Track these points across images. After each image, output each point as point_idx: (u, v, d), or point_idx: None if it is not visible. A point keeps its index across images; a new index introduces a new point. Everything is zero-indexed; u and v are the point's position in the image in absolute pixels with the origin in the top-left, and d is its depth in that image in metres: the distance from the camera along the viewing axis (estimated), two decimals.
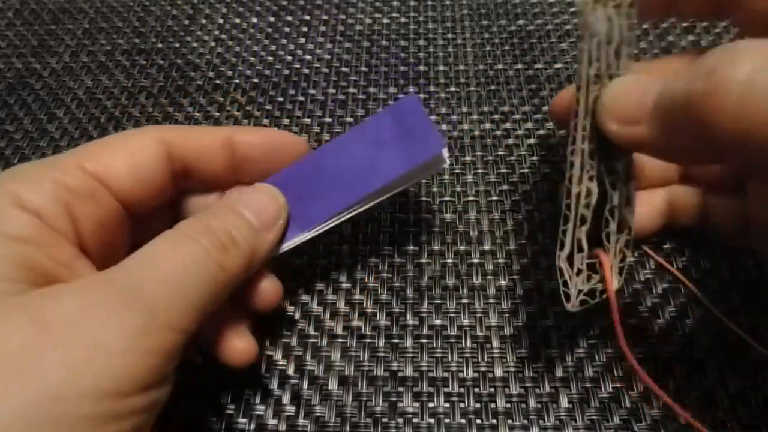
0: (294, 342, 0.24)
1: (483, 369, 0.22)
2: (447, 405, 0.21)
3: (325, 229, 0.21)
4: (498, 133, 0.30)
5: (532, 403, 0.21)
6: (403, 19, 0.36)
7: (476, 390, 0.22)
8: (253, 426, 0.21)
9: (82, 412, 0.12)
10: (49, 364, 0.12)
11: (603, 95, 0.19)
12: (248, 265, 0.18)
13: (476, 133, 0.30)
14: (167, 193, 0.20)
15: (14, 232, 0.15)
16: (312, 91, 0.32)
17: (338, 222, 0.21)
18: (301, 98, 0.32)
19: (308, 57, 0.34)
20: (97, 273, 0.16)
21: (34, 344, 0.12)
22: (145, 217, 0.20)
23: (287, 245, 0.21)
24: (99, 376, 0.12)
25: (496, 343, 0.23)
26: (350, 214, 0.21)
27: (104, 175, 0.18)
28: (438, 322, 0.24)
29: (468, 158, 0.29)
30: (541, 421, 0.21)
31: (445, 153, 0.21)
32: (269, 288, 0.20)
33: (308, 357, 0.23)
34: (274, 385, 0.22)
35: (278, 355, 0.23)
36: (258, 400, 0.22)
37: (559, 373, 0.22)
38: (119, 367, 0.13)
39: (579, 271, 0.20)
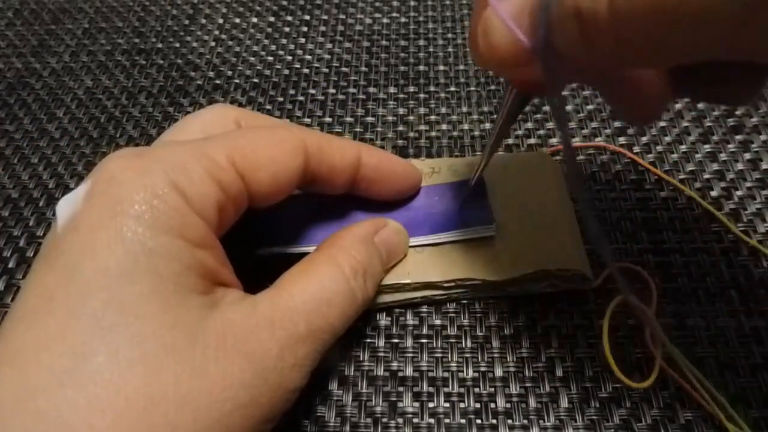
0: None
1: (483, 369, 0.22)
2: (447, 405, 0.21)
3: None
4: None
5: (532, 403, 0.21)
6: (403, 19, 0.36)
7: (476, 390, 0.22)
8: None
9: (284, 380, 0.17)
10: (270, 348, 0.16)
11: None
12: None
13: (476, 133, 0.30)
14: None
15: (193, 238, 0.16)
16: (312, 91, 0.32)
17: None
18: (301, 98, 0.32)
19: (308, 57, 0.34)
20: (279, 300, 0.18)
21: (259, 336, 0.16)
22: None
23: None
24: (297, 362, 0.17)
25: (496, 343, 0.23)
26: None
27: (249, 176, 0.18)
28: (438, 322, 0.24)
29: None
30: (541, 421, 0.21)
31: (493, 226, 0.23)
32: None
33: None
34: None
35: None
36: None
37: (559, 373, 0.22)
38: (304, 366, 0.17)
39: None
